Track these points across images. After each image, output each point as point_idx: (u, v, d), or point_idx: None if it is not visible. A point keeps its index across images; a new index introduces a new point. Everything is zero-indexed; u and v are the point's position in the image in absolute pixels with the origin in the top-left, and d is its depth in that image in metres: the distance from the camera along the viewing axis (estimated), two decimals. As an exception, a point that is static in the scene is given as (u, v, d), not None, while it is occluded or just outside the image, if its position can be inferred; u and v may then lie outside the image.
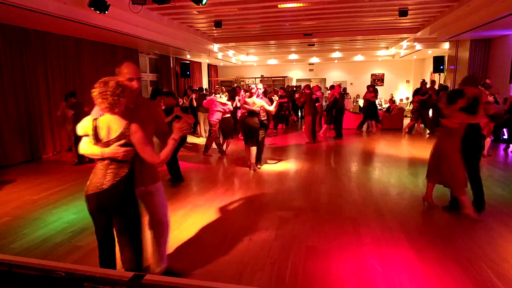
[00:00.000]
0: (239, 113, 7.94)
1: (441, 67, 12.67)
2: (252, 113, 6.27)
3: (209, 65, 18.61)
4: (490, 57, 10.55)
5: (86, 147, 2.29)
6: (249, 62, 19.82)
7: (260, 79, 19.65)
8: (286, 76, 19.70)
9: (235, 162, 7.32)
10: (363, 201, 4.74)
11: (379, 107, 14.52)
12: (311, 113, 9.17)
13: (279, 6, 8.39)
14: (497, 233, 3.67)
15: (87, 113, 2.54)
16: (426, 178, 4.47)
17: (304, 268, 2.98)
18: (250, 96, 6.37)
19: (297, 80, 20.65)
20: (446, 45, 12.25)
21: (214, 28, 10.28)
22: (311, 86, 11.05)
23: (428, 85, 14.93)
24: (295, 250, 3.31)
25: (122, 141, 2.17)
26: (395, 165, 6.84)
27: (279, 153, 8.18)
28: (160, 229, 2.76)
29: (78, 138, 2.25)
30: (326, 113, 10.59)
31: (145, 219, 2.69)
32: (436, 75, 13.39)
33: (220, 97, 7.79)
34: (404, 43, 14.11)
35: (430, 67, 14.80)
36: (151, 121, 2.57)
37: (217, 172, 6.61)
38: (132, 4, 6.19)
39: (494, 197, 4.79)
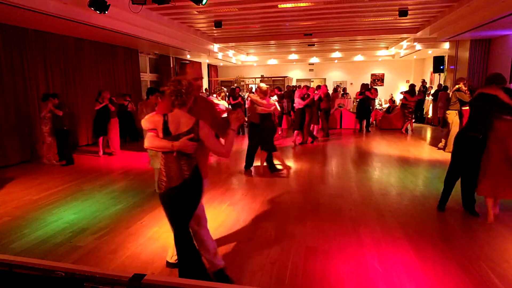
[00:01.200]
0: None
1: (441, 67, 12.68)
2: (269, 116, 6.10)
3: (209, 65, 18.61)
4: (490, 57, 10.55)
5: (154, 141, 2.38)
6: (249, 62, 19.82)
7: (260, 79, 19.66)
8: (286, 76, 19.70)
9: (235, 162, 7.32)
10: (363, 201, 4.74)
11: (379, 107, 14.53)
12: (308, 115, 9.10)
13: (279, 6, 8.39)
14: (497, 233, 3.67)
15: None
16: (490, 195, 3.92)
17: (304, 268, 2.98)
18: (265, 97, 5.95)
19: (297, 80, 20.64)
20: (446, 45, 12.25)
21: (214, 28, 10.28)
22: (309, 86, 11.06)
23: (428, 85, 14.98)
24: (295, 250, 3.31)
25: (191, 135, 2.32)
26: (395, 165, 6.84)
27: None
28: (206, 224, 2.79)
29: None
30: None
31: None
32: (436, 75, 13.40)
33: (216, 97, 7.89)
34: (404, 43, 14.11)
35: (430, 67, 14.81)
36: (208, 115, 2.64)
37: (217, 172, 6.61)
38: (132, 4, 6.18)
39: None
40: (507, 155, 3.78)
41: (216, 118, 2.75)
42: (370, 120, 11.65)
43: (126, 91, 10.61)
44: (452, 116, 7.50)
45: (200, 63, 3.12)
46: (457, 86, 7.43)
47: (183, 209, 2.44)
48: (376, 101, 14.67)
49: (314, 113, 9.36)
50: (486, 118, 3.90)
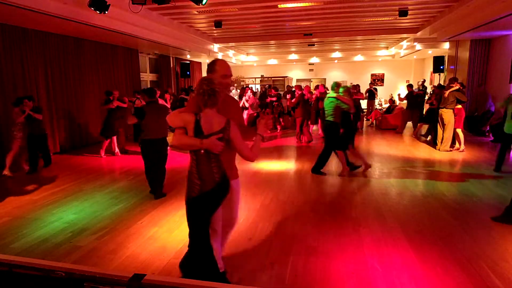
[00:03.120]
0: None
1: (441, 67, 12.67)
2: (349, 114, 6.02)
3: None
4: (490, 57, 10.55)
5: (183, 138, 2.35)
6: (249, 62, 19.82)
7: (260, 79, 19.67)
8: (286, 76, 19.71)
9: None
10: (363, 201, 4.74)
11: (379, 107, 14.53)
12: (301, 115, 8.97)
13: (279, 6, 8.39)
14: (497, 233, 3.67)
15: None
16: None
17: (304, 268, 2.98)
18: (349, 95, 5.93)
19: (297, 80, 20.65)
20: (446, 45, 12.25)
21: (214, 28, 10.28)
22: (304, 86, 11.02)
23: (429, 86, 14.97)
24: (295, 250, 3.31)
25: (220, 135, 2.31)
26: (395, 165, 6.83)
27: (279, 154, 8.18)
28: (232, 224, 2.82)
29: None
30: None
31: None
32: (436, 75, 13.40)
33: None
34: (404, 43, 14.12)
35: (430, 67, 14.80)
36: (236, 116, 2.61)
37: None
38: (132, 4, 6.19)
39: (494, 197, 4.80)
40: None
41: (238, 120, 2.67)
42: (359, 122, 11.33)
43: (126, 91, 10.61)
44: (449, 115, 7.53)
45: (225, 61, 3.06)
46: (456, 87, 7.46)
47: (211, 212, 2.43)
48: (376, 101, 14.69)
49: (312, 113, 9.35)
50: None
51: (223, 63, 2.59)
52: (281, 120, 12.38)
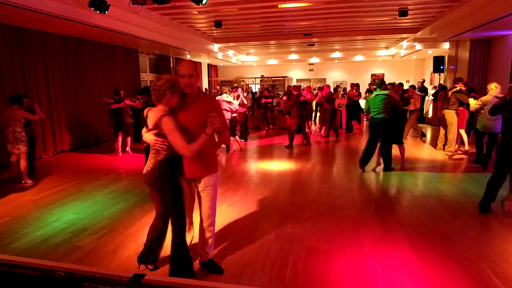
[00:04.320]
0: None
1: (441, 67, 12.68)
2: (395, 109, 6.15)
3: (209, 65, 18.61)
4: (490, 57, 10.55)
5: (144, 134, 2.65)
6: (249, 62, 19.82)
7: (260, 79, 19.67)
8: (286, 76, 19.70)
9: (235, 162, 7.33)
10: (363, 201, 4.75)
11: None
12: (295, 117, 8.73)
13: (279, 6, 8.39)
14: (497, 233, 3.67)
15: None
16: None
17: (304, 268, 2.98)
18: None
19: (297, 80, 20.65)
20: (446, 45, 12.25)
21: (214, 28, 10.28)
22: (305, 86, 11.01)
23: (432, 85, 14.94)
24: (295, 250, 3.31)
25: (156, 131, 2.52)
26: (395, 165, 6.82)
27: (279, 154, 8.18)
28: (207, 218, 2.89)
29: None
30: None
31: (203, 206, 2.88)
32: (436, 75, 13.41)
33: (227, 96, 7.87)
34: (404, 43, 14.11)
35: (430, 67, 14.81)
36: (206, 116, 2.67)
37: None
38: (132, 4, 6.18)
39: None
40: None
41: (221, 117, 2.79)
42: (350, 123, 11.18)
43: (126, 91, 10.61)
44: (452, 116, 7.50)
45: (191, 61, 3.05)
46: (457, 88, 7.43)
47: (153, 192, 2.74)
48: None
49: (308, 113, 9.38)
50: None
51: (182, 63, 2.69)
52: (270, 122, 12.25)
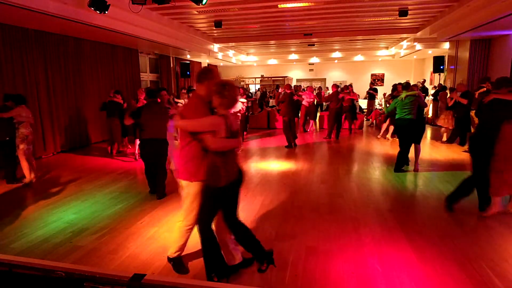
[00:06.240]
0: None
1: (441, 67, 12.68)
2: (421, 110, 6.24)
3: (209, 65, 18.62)
4: (490, 57, 10.55)
5: (224, 141, 2.60)
6: (249, 62, 19.83)
7: (260, 79, 19.68)
8: (286, 76, 19.71)
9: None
10: (363, 201, 4.74)
11: (378, 107, 14.54)
12: (286, 114, 8.60)
13: (279, 6, 8.39)
14: (497, 233, 3.67)
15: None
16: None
17: (304, 268, 2.98)
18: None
19: (297, 80, 20.66)
20: (446, 45, 12.25)
21: (214, 28, 10.28)
22: (306, 87, 10.97)
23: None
24: (295, 250, 3.31)
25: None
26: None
27: (279, 154, 8.18)
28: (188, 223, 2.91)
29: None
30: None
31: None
32: (436, 75, 13.41)
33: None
34: (404, 43, 14.12)
35: (430, 67, 14.81)
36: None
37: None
38: (132, 4, 6.19)
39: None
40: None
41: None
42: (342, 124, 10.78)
43: (126, 91, 10.62)
44: None
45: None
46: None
47: (237, 201, 2.79)
48: (377, 101, 14.70)
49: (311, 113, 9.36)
50: (498, 122, 3.94)
51: (217, 70, 2.86)
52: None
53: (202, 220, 2.71)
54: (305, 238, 3.59)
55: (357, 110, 12.64)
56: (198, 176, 2.68)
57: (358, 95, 17.72)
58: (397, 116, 6.27)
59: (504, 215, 4.11)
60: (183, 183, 2.78)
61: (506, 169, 3.88)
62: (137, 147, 7.40)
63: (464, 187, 4.26)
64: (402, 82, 7.19)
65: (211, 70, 2.79)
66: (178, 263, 3.01)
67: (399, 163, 6.35)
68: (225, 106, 2.56)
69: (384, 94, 13.12)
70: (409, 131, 6.18)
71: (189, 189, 2.76)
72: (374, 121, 13.01)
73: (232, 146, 2.64)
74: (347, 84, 11.80)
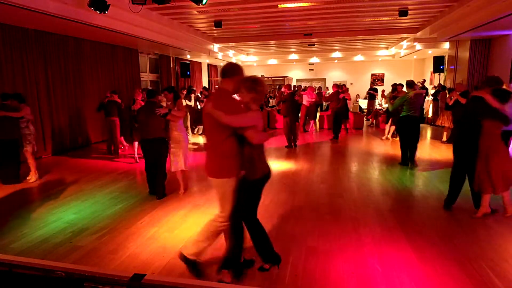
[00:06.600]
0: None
1: (441, 67, 12.68)
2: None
3: (209, 65, 18.62)
4: (490, 57, 10.54)
5: (264, 135, 2.79)
6: (249, 62, 19.82)
7: (260, 79, 19.63)
8: (286, 76, 19.71)
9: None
10: (363, 201, 4.74)
11: (379, 107, 14.54)
12: (287, 114, 8.59)
13: (279, 6, 8.39)
14: (497, 233, 3.67)
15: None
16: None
17: (304, 268, 2.98)
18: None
19: (297, 80, 20.66)
20: (446, 45, 12.24)
21: (214, 28, 10.28)
22: (307, 87, 10.95)
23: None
24: (295, 250, 3.31)
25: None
26: (395, 165, 6.83)
27: (279, 154, 8.18)
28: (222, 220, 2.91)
29: None
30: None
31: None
32: (436, 75, 13.41)
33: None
34: (404, 43, 14.11)
35: (430, 67, 14.80)
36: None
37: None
38: (132, 4, 6.18)
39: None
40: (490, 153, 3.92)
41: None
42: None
43: (126, 91, 10.62)
44: None
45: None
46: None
47: (260, 197, 2.83)
48: (377, 101, 14.69)
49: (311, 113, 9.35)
50: (476, 120, 4.00)
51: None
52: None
53: (237, 215, 2.73)
54: (305, 238, 3.59)
55: (350, 110, 12.43)
56: (235, 172, 2.70)
57: (358, 95, 17.74)
58: (403, 114, 6.43)
59: (504, 215, 4.11)
60: (216, 181, 2.71)
61: (489, 167, 3.92)
62: (135, 148, 7.40)
63: (453, 186, 4.34)
64: (402, 82, 7.22)
65: (238, 65, 2.79)
66: (195, 267, 2.85)
67: (405, 156, 6.65)
68: (258, 101, 2.66)
69: (383, 91, 13.12)
70: (414, 128, 6.42)
71: (225, 187, 2.70)
72: (374, 121, 13.01)
73: (267, 139, 2.77)
74: (342, 84, 11.73)
